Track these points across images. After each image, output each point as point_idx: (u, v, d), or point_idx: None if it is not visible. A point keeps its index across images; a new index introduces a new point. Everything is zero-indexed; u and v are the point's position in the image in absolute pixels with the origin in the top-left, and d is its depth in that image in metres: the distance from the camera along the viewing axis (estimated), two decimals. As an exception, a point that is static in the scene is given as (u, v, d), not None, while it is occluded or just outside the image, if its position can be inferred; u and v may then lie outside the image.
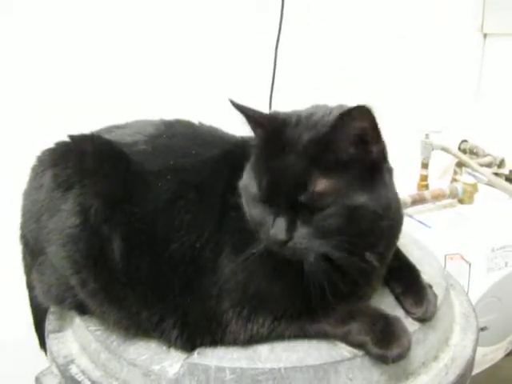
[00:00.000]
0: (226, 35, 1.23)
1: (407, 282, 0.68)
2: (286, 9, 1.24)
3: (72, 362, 0.67)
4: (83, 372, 0.65)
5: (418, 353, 0.63)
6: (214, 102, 1.16)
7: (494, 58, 1.54)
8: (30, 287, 0.80)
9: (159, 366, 0.60)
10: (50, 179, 0.66)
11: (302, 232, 0.53)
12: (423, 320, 0.66)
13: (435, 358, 0.66)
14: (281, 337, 0.61)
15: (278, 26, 1.25)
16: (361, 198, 0.54)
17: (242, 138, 0.73)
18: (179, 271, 0.62)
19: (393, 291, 0.69)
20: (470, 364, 0.68)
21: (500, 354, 1.48)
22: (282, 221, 0.53)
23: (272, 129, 0.57)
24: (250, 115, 0.58)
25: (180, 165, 0.67)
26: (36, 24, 1.03)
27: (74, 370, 0.65)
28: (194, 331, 0.61)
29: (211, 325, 0.61)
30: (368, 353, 0.59)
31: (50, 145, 0.72)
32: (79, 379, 0.64)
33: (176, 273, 0.62)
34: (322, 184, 0.52)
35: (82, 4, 1.06)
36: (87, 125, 0.76)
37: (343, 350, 0.60)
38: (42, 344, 0.83)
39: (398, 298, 0.68)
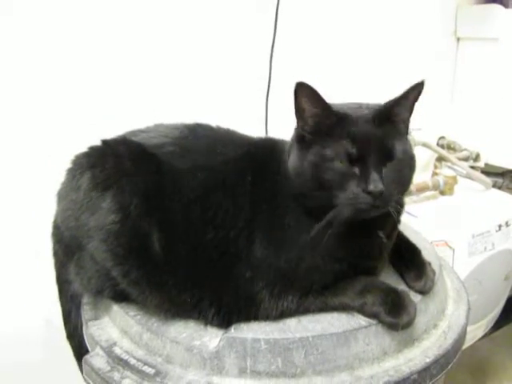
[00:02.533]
0: (221, 40, 1.28)
1: (409, 258, 0.78)
2: (280, 11, 1.30)
3: (114, 344, 0.74)
4: (127, 352, 0.72)
5: (420, 321, 0.73)
6: (210, 105, 1.23)
7: (466, 61, 1.66)
8: (61, 281, 0.85)
9: (200, 342, 0.68)
10: (88, 180, 0.72)
11: (388, 182, 0.63)
12: (423, 292, 0.75)
13: (435, 325, 0.76)
14: (307, 311, 0.70)
15: (272, 29, 1.30)
16: (412, 151, 0.69)
17: (260, 138, 0.81)
18: (215, 258, 0.70)
19: (396, 267, 0.79)
20: (464, 330, 0.78)
21: (480, 333, 1.60)
22: (376, 174, 0.63)
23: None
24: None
25: (207, 164, 0.74)
26: (36, 26, 1.05)
27: (118, 350, 0.72)
28: (230, 310, 0.69)
29: (246, 303, 0.69)
30: (381, 321, 0.69)
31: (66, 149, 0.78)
32: (125, 358, 0.71)
33: (212, 260, 0.70)
34: (400, 144, 0.66)
35: (81, 6, 1.09)
36: (90, 129, 0.81)
37: (360, 320, 0.69)
38: (70, 335, 0.89)
39: (400, 273, 0.78)
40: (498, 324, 2.03)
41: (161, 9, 1.18)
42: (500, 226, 1.44)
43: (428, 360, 0.69)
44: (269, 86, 1.33)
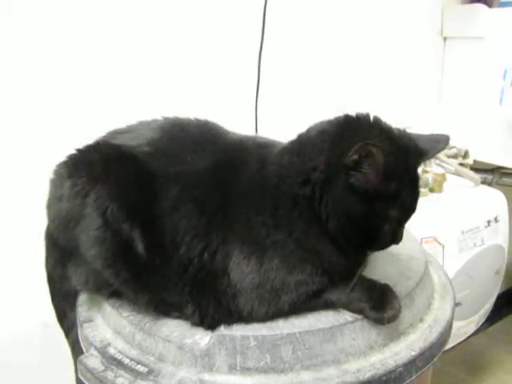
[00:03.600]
0: (210, 36, 1.29)
1: None
2: (267, 14, 1.31)
3: (108, 345, 0.75)
4: (120, 352, 0.74)
5: (406, 316, 0.75)
6: (201, 102, 1.24)
7: (453, 60, 1.69)
8: (53, 281, 0.86)
9: (191, 340, 0.69)
10: (68, 190, 0.72)
11: None
12: None
13: (421, 319, 0.78)
14: (294, 314, 0.71)
15: (260, 31, 1.32)
16: None
17: (234, 142, 0.79)
18: (190, 272, 0.70)
19: None
20: (449, 324, 0.80)
21: (472, 328, 1.63)
22: (403, 230, 0.73)
23: None
24: None
25: (177, 174, 0.72)
26: (36, 26, 1.06)
27: (111, 350, 0.74)
28: (214, 319, 0.70)
29: (231, 316, 0.70)
30: (367, 317, 0.70)
31: (61, 156, 0.78)
32: (118, 358, 0.72)
33: (187, 273, 0.70)
34: None
35: (80, 7, 1.10)
36: (91, 129, 0.80)
37: (347, 316, 0.71)
38: (67, 334, 0.90)
39: None
40: (493, 319, 2.06)
41: (152, 10, 1.21)
42: (489, 222, 1.47)
43: (413, 353, 0.71)
44: (258, 84, 1.34)
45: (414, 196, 0.70)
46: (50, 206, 0.79)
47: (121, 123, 0.83)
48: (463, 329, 1.56)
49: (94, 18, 1.13)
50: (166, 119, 0.81)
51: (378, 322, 0.70)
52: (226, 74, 1.33)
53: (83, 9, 1.11)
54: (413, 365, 0.71)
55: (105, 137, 0.81)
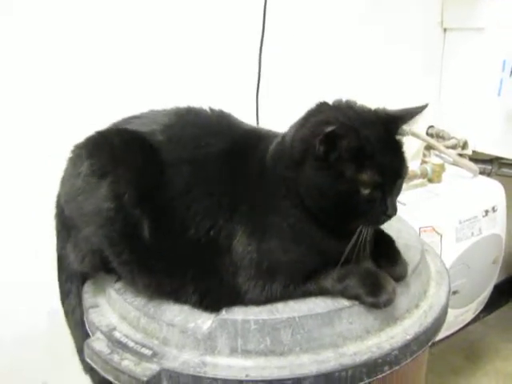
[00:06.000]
0: (210, 31, 1.30)
1: (384, 248, 0.81)
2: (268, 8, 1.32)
3: (114, 329, 0.78)
4: (126, 336, 0.76)
5: (402, 301, 0.77)
6: (202, 96, 1.25)
7: (453, 51, 1.70)
8: (60, 261, 0.89)
9: (194, 324, 0.72)
10: (86, 168, 0.76)
11: (396, 196, 0.73)
12: (398, 278, 0.77)
13: (416, 306, 0.81)
14: (290, 298, 0.73)
15: (261, 28, 1.33)
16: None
17: (246, 130, 0.83)
18: (196, 252, 0.73)
19: (372, 257, 0.80)
20: (444, 310, 0.83)
21: (470, 316, 1.66)
22: (392, 198, 0.71)
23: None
24: None
25: (191, 157, 0.76)
26: (36, 26, 1.07)
27: (117, 334, 0.77)
28: (213, 298, 0.73)
29: (230, 294, 0.72)
30: (363, 302, 0.73)
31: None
32: (124, 341, 0.75)
33: (194, 253, 0.73)
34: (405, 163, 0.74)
35: (83, 6, 1.11)
36: (90, 130, 0.82)
37: (344, 301, 0.73)
38: (68, 314, 0.91)
39: (376, 262, 0.79)
40: (491, 308, 2.09)
41: (152, 7, 1.21)
42: (487, 212, 1.49)
43: (408, 337, 0.74)
44: (259, 79, 1.36)
45: (391, 158, 0.70)
46: (64, 182, 0.83)
47: (124, 115, 0.85)
48: (461, 316, 1.59)
49: (95, 16, 1.14)
50: (179, 107, 0.84)
51: (375, 306, 0.73)
52: (227, 68, 1.34)
53: (85, 7, 1.12)
54: (408, 348, 0.73)
55: (120, 122, 0.84)
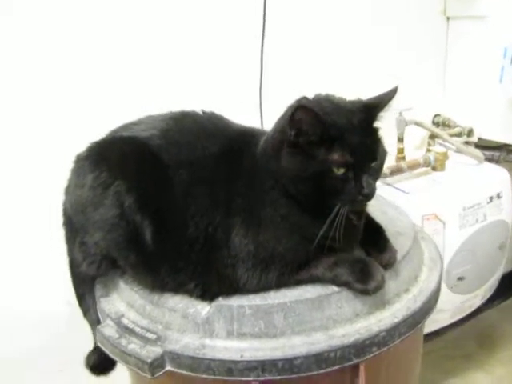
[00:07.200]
0: (211, 29, 1.32)
1: (373, 236, 0.84)
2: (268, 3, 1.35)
3: (122, 316, 0.84)
4: (133, 322, 0.83)
5: (391, 286, 0.81)
6: (205, 96, 1.27)
7: (457, 39, 1.70)
8: (73, 266, 0.95)
9: (194, 309, 0.78)
10: (91, 181, 0.81)
11: (373, 178, 0.74)
12: (387, 266, 0.81)
13: (406, 290, 0.84)
14: (284, 286, 0.78)
15: (261, 27, 1.37)
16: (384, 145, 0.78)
17: (241, 130, 0.87)
18: (196, 249, 0.78)
19: (362, 245, 0.85)
20: (434, 294, 0.86)
21: (478, 302, 1.67)
22: (367, 177, 0.73)
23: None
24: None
25: (189, 159, 0.81)
26: (36, 26, 1.10)
27: (125, 321, 0.83)
28: (214, 291, 0.78)
29: (228, 286, 0.78)
30: (353, 289, 0.77)
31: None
32: (131, 327, 0.81)
33: (193, 250, 0.78)
34: (380, 145, 0.76)
35: (84, 5, 1.15)
36: (90, 130, 0.87)
37: (333, 287, 0.78)
38: (86, 313, 0.98)
39: (365, 250, 0.84)
40: (504, 295, 2.10)
41: (152, 7, 1.25)
42: (491, 198, 1.50)
43: (396, 320, 0.78)
44: (261, 75, 1.39)
45: (362, 140, 0.73)
46: (69, 192, 0.89)
47: (125, 117, 0.89)
48: (468, 302, 1.61)
49: (96, 17, 1.17)
50: (174, 112, 0.88)
51: (364, 293, 0.77)
52: (229, 67, 1.37)
53: (86, 7, 1.16)
54: (395, 330, 0.77)
55: (119, 129, 0.88)
